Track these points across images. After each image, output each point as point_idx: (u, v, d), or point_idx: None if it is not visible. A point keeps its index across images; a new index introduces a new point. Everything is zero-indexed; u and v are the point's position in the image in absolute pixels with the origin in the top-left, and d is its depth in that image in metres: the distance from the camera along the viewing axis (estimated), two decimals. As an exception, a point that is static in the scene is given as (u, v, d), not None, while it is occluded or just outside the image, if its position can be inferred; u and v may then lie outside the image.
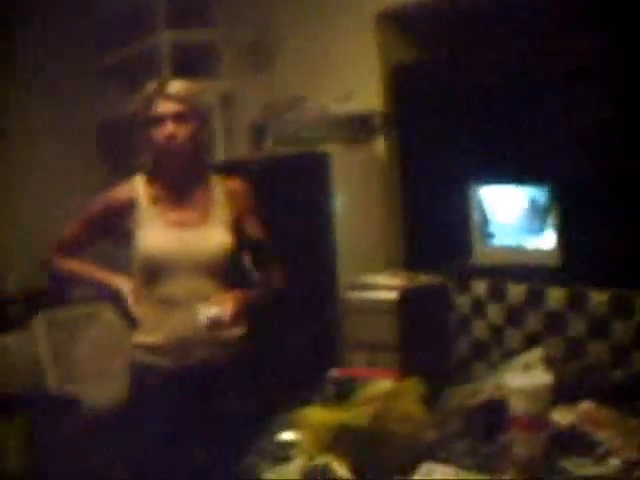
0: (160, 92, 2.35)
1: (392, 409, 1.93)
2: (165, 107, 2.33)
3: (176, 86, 2.37)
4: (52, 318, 3.73)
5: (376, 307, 2.71)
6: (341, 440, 1.96)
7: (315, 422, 2.01)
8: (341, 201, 3.26)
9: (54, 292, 3.97)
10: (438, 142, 3.20)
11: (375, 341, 2.63)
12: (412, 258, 3.29)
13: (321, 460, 1.94)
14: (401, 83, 3.33)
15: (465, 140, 3.14)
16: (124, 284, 2.38)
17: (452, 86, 3.20)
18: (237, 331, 2.41)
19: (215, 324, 2.23)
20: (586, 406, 2.19)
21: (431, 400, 2.21)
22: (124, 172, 2.64)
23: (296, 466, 1.98)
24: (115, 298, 2.37)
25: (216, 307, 2.24)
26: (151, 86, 2.38)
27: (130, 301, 2.34)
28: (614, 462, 1.91)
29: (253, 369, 2.42)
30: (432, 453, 1.97)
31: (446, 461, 1.94)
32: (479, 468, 1.91)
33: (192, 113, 2.35)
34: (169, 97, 2.33)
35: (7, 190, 4.53)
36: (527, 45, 3.07)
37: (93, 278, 2.48)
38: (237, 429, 2.35)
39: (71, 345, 3.72)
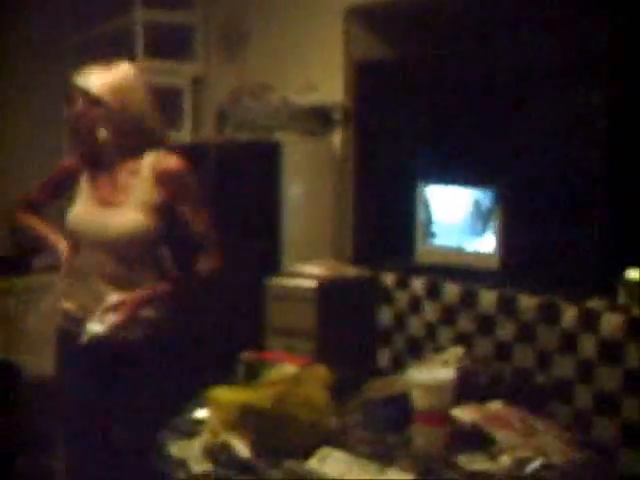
0: (73, 80, 2.44)
1: (294, 393, 1.99)
2: (72, 93, 2.45)
3: (85, 77, 2.44)
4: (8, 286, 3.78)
5: (295, 294, 2.76)
6: (245, 420, 2.01)
7: (222, 401, 2.06)
8: (292, 191, 3.31)
9: (16, 258, 4.03)
10: (392, 139, 3.25)
11: (293, 328, 2.69)
12: (359, 252, 3.33)
13: (223, 437, 2.01)
14: (363, 79, 3.38)
15: (417, 139, 3.19)
16: (63, 247, 2.45)
17: (411, 84, 3.25)
18: (151, 312, 2.44)
19: (105, 333, 2.31)
20: (494, 406, 2.25)
21: (350, 389, 2.27)
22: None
23: (200, 442, 2.04)
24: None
25: (101, 320, 2.30)
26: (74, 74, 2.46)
27: (62, 267, 2.42)
28: (505, 459, 1.97)
29: (169, 347, 2.46)
30: (334, 439, 2.03)
31: (347, 448, 2.00)
32: (379, 458, 1.97)
33: (78, 93, 2.42)
34: (76, 86, 2.43)
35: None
36: (489, 47, 3.12)
37: (44, 237, 2.57)
38: (151, 405, 2.41)
39: (21, 314, 3.76)
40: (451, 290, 2.92)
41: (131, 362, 2.47)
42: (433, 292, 2.96)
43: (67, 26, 4.90)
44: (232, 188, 3.29)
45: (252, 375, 2.12)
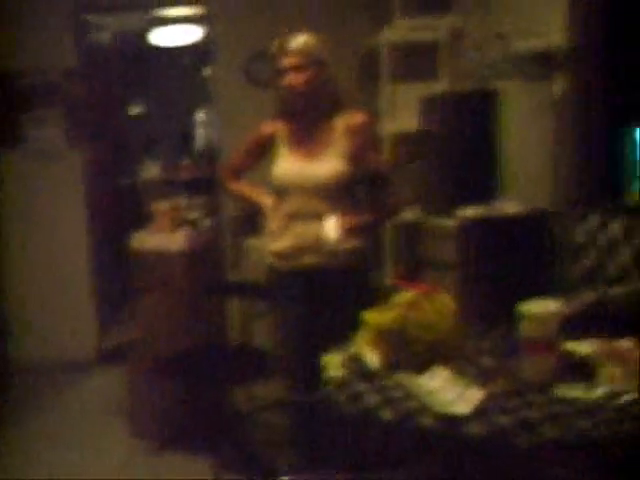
0: (281, 49, 2.83)
1: (412, 316, 2.27)
2: (285, 61, 2.83)
3: (294, 42, 2.83)
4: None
5: (439, 232, 2.94)
6: (377, 337, 2.37)
7: (365, 322, 2.43)
8: (513, 135, 3.43)
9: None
10: (606, 80, 3.19)
11: (438, 262, 2.88)
12: (578, 193, 3.34)
13: (355, 350, 2.39)
14: (583, 19, 3.33)
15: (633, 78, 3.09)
16: (266, 201, 2.97)
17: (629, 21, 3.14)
18: (355, 242, 2.89)
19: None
20: (624, 343, 2.25)
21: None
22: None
23: (343, 354, 2.43)
24: (258, 216, 3.01)
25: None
26: (275, 43, 2.87)
27: (267, 215, 2.93)
28: (601, 390, 2.04)
29: (357, 276, 2.87)
30: (452, 359, 2.27)
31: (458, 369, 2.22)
32: (478, 378, 2.16)
33: (308, 63, 2.81)
34: (288, 52, 2.82)
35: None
36: None
37: (248, 195, 3.11)
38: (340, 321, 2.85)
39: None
40: (647, 232, 2.87)
41: (336, 288, 2.94)
42: (630, 234, 2.94)
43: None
44: (457, 135, 3.53)
45: (386, 300, 2.44)
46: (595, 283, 3.11)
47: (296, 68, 2.83)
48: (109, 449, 4.03)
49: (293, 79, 2.83)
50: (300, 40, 2.87)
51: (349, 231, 2.77)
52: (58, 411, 4.65)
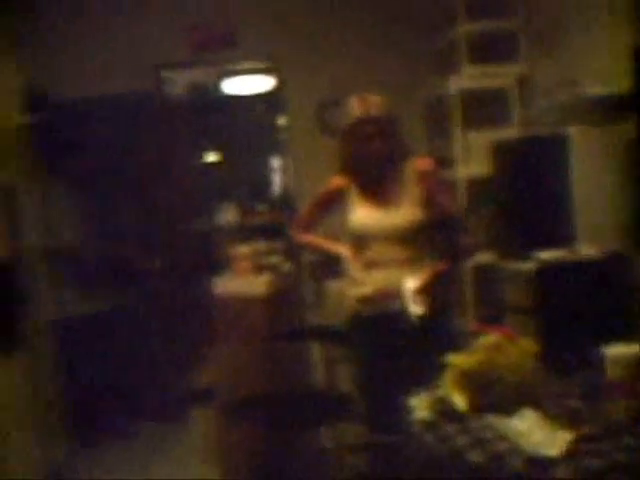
0: (362, 115, 2.95)
1: (496, 359, 2.34)
2: (368, 129, 2.94)
3: (373, 108, 2.93)
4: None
5: (518, 276, 2.98)
6: (464, 379, 2.43)
7: (452, 364, 2.50)
8: (584, 179, 3.47)
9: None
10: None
11: (517, 305, 2.92)
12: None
13: (443, 392, 2.46)
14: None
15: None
16: (345, 251, 3.10)
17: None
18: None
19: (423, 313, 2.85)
20: None
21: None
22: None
23: (431, 395, 2.51)
24: (338, 262, 3.12)
25: (416, 304, 2.84)
26: (353, 106, 2.98)
27: (349, 264, 3.06)
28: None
29: (438, 320, 2.95)
30: (538, 401, 2.32)
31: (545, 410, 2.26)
32: (568, 420, 2.20)
33: (390, 129, 2.94)
34: (369, 120, 2.93)
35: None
36: None
37: (323, 247, 3.24)
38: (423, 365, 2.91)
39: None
40: None
41: (418, 332, 3.01)
42: None
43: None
44: (530, 179, 3.61)
45: (470, 343, 2.51)
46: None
47: (380, 135, 2.95)
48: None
49: (379, 146, 2.94)
50: (377, 105, 2.97)
51: (427, 290, 2.86)
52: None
